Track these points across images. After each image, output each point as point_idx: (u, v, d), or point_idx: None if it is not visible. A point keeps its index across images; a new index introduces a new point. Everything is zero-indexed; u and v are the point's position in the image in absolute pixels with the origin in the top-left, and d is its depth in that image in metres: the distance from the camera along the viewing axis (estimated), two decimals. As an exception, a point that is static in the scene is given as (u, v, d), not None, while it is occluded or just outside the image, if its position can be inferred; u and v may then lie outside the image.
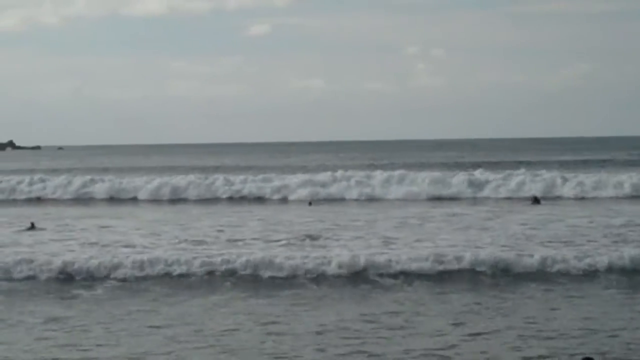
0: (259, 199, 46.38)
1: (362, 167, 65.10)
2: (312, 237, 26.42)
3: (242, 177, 50.55)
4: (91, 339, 14.82)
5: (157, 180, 49.59)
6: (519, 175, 47.77)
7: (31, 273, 21.21)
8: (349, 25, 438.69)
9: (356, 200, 44.88)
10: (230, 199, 46.93)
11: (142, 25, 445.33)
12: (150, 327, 15.70)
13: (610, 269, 20.80)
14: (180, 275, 20.94)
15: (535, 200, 39.95)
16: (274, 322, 15.93)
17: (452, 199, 44.36)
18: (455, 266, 21.04)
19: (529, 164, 65.91)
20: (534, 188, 44.82)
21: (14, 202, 47.39)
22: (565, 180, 46.92)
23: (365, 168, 63.24)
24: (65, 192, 49.39)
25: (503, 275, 20.59)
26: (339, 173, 49.81)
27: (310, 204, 42.00)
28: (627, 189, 45.01)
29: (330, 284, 20.09)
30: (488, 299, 17.96)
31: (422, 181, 47.37)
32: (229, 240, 26.06)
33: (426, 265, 20.92)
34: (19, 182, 50.80)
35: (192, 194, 47.55)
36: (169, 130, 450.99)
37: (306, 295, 18.75)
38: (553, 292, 18.72)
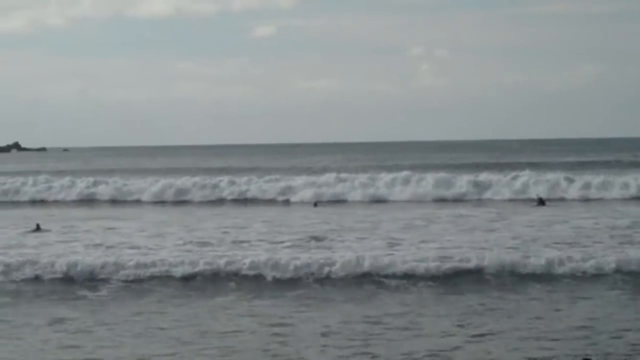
0: (264, 201, 46.39)
1: (367, 169, 65.07)
2: (317, 239, 26.41)
3: (247, 178, 50.62)
4: (96, 340, 14.83)
5: (161, 182, 49.66)
6: (524, 177, 47.73)
7: (36, 274, 21.26)
8: (354, 27, 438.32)
9: (361, 201, 44.88)
10: (236, 200, 46.96)
11: (148, 26, 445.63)
12: (155, 328, 15.71)
13: (615, 271, 20.75)
14: (185, 277, 20.94)
15: (541, 202, 39.91)
16: (278, 324, 15.93)
17: (457, 200, 44.34)
18: (460, 267, 21.00)
19: (533, 165, 65.81)
20: (539, 189, 44.77)
21: (19, 203, 47.47)
22: (570, 181, 46.87)
23: (370, 169, 63.21)
24: (70, 193, 49.50)
25: (508, 277, 20.57)
26: (344, 174, 49.85)
27: (315, 205, 42.03)
28: (632, 190, 44.92)
29: (335, 285, 20.08)
30: (493, 300, 17.94)
31: (427, 183, 47.37)
32: (234, 242, 26.05)
33: (431, 267, 20.89)
34: (24, 184, 50.92)
35: (197, 195, 47.61)
36: (174, 132, 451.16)
37: (311, 297, 18.75)
38: (558, 293, 18.70)
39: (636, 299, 18.08)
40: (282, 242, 25.81)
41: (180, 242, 26.05)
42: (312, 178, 49.90)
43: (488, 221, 31.46)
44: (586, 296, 18.36)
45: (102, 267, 21.38)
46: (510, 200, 44.03)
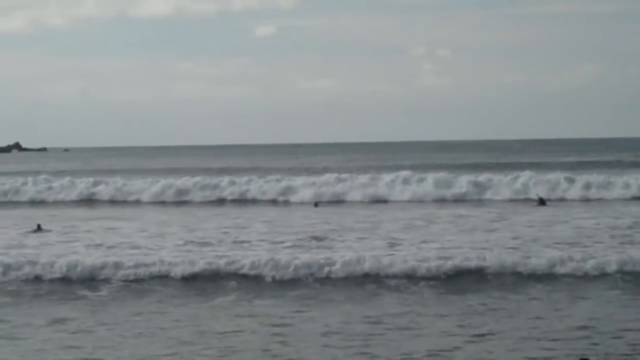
0: (265, 201, 46.38)
1: (368, 169, 65.07)
2: (318, 239, 26.42)
3: (247, 178, 50.61)
4: (96, 340, 14.83)
5: (161, 182, 49.64)
6: (524, 177, 47.69)
7: (37, 274, 21.25)
8: (354, 27, 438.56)
9: (361, 201, 44.85)
10: (236, 200, 46.95)
11: (149, 26, 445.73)
12: (155, 328, 15.71)
13: (616, 271, 20.73)
14: (185, 277, 20.93)
15: (541, 202, 39.89)
16: (279, 324, 15.92)
17: (458, 200, 44.31)
18: (460, 267, 20.99)
19: (534, 165, 65.79)
20: (540, 189, 44.74)
21: (19, 203, 47.45)
22: (571, 181, 46.83)
23: (371, 169, 63.19)
24: (70, 193, 49.50)
25: (508, 277, 20.55)
26: (345, 174, 49.83)
27: (316, 205, 42.02)
28: (633, 190, 44.85)
29: (335, 285, 20.07)
30: (493, 300, 17.93)
31: (428, 183, 47.34)
32: (234, 242, 26.05)
33: (432, 267, 20.88)
34: (24, 184, 50.92)
35: (197, 195, 47.61)
36: (175, 132, 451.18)
37: (311, 297, 18.74)
38: (558, 293, 18.69)
39: (637, 299, 18.07)
40: (282, 242, 25.81)
41: (181, 242, 26.05)
42: (313, 178, 49.87)
43: (488, 221, 31.45)
44: (587, 296, 18.36)
45: (102, 267, 21.37)
46: (511, 200, 43.99)
